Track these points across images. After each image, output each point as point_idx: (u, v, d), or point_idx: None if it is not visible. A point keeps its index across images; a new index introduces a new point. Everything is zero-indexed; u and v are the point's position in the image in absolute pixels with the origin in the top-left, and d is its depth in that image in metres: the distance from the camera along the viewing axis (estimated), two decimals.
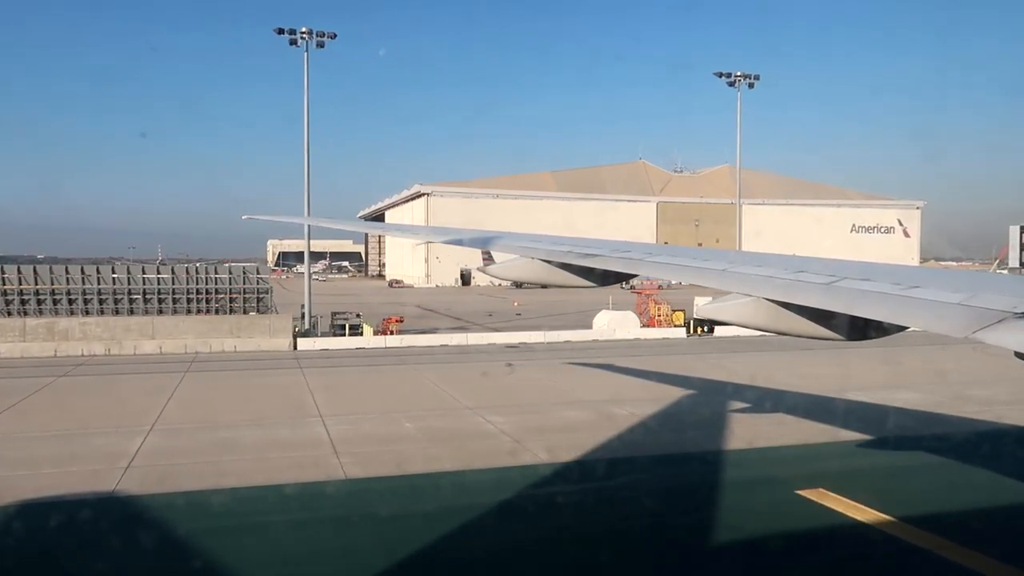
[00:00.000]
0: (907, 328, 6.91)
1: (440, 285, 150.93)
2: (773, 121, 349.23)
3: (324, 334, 53.78)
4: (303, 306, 56.39)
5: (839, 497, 19.19)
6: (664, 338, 56.73)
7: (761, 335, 54.37)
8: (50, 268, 49.11)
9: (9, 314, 47.41)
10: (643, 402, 31.42)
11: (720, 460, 23.37)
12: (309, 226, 55.12)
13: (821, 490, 19.82)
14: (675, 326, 59.02)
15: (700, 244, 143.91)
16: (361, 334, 53.04)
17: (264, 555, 16.00)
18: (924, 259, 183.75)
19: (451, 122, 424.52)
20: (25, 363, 42.74)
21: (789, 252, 12.81)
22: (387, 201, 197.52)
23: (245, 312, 50.44)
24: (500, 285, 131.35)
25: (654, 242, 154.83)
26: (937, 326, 6.21)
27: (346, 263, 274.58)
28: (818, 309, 7.43)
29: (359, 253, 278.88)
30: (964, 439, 26.24)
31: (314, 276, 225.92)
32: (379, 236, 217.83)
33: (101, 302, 48.61)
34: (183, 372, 39.46)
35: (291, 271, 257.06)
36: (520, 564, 15.73)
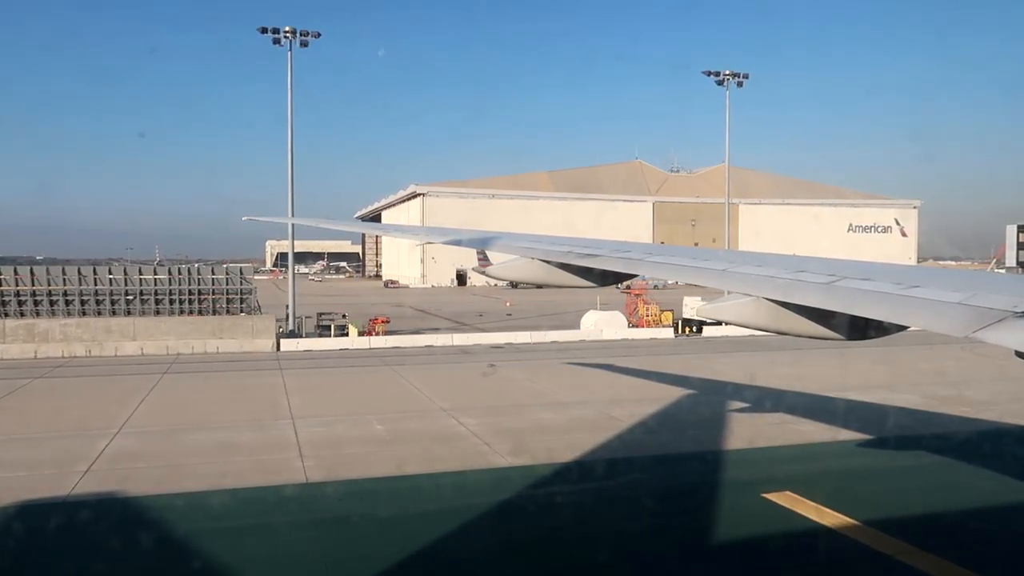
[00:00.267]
0: (907, 328, 6.93)
1: (436, 285, 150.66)
2: (771, 121, 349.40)
3: (309, 335, 53.44)
4: (287, 306, 55.99)
5: (805, 500, 18.85)
6: (652, 338, 56.38)
7: (750, 336, 54.33)
8: (31, 269, 48.69)
9: None
10: (620, 403, 31.06)
11: (688, 462, 23.06)
12: (298, 226, 54.93)
13: (788, 493, 19.48)
14: (663, 326, 58.67)
15: (696, 243, 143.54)
16: (346, 335, 52.74)
17: (216, 560, 15.68)
18: (923, 258, 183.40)
19: (449, 122, 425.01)
20: (2, 365, 42.38)
21: (786, 251, 12.61)
22: (383, 201, 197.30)
23: (229, 313, 50.08)
24: (496, 285, 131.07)
25: (651, 242, 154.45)
26: (937, 325, 6.19)
27: (344, 264, 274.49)
28: (818, 309, 7.45)
29: (357, 254, 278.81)
30: (943, 440, 25.92)
31: (311, 277, 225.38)
32: (376, 237, 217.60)
33: (83, 303, 48.25)
34: (161, 374, 39.13)
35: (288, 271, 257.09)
36: (476, 569, 15.42)
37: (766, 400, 32.18)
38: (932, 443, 25.59)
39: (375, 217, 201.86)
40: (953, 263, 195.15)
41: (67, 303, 47.92)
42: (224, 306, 50.38)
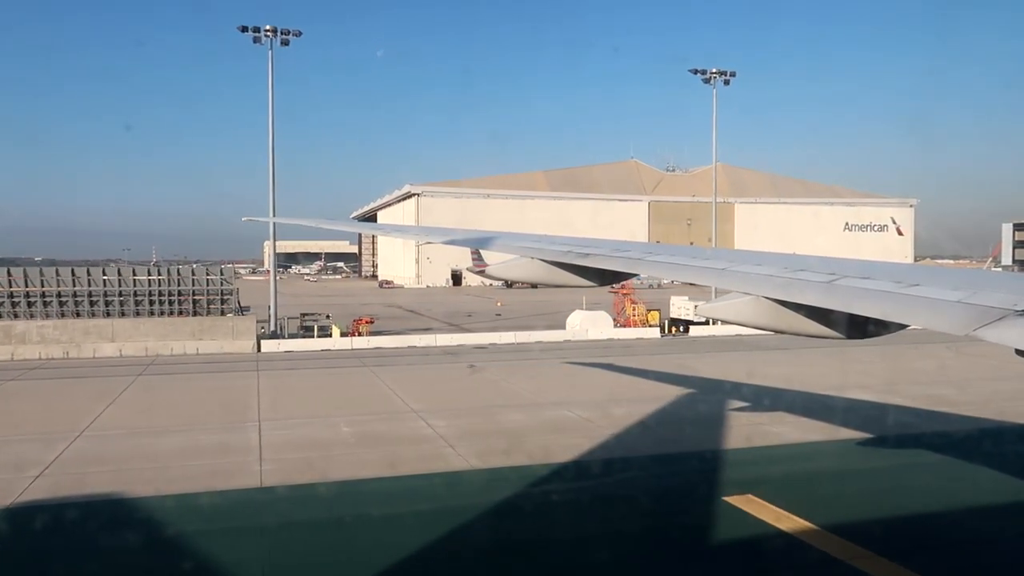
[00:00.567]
0: (908, 326, 6.95)
1: (431, 286, 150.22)
2: (768, 119, 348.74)
3: (292, 336, 53.02)
4: (269, 307, 55.54)
5: (766, 504, 18.44)
6: (638, 338, 55.93)
7: (736, 335, 53.98)
8: (8, 270, 48.21)
9: None
10: (595, 405, 30.65)
11: (654, 465, 22.61)
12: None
13: (750, 496, 19.08)
14: (650, 326, 58.23)
15: (692, 243, 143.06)
16: (330, 336, 52.34)
17: (158, 566, 15.34)
18: (921, 257, 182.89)
19: (444, 122, 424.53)
20: None
21: (783, 250, 12.45)
22: (379, 201, 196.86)
23: (209, 314, 49.65)
24: (491, 285, 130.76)
25: (647, 241, 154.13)
26: (937, 324, 6.20)
27: (341, 264, 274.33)
28: (819, 307, 7.47)
29: (355, 254, 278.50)
30: (917, 440, 25.54)
31: (306, 277, 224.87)
32: (372, 237, 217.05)
33: (62, 304, 47.84)
34: (136, 376, 38.72)
35: (285, 272, 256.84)
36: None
37: (744, 400, 31.73)
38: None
39: (371, 217, 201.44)
40: (951, 262, 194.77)
41: (45, 304, 47.51)
42: (205, 307, 49.96)
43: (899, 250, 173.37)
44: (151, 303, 49.26)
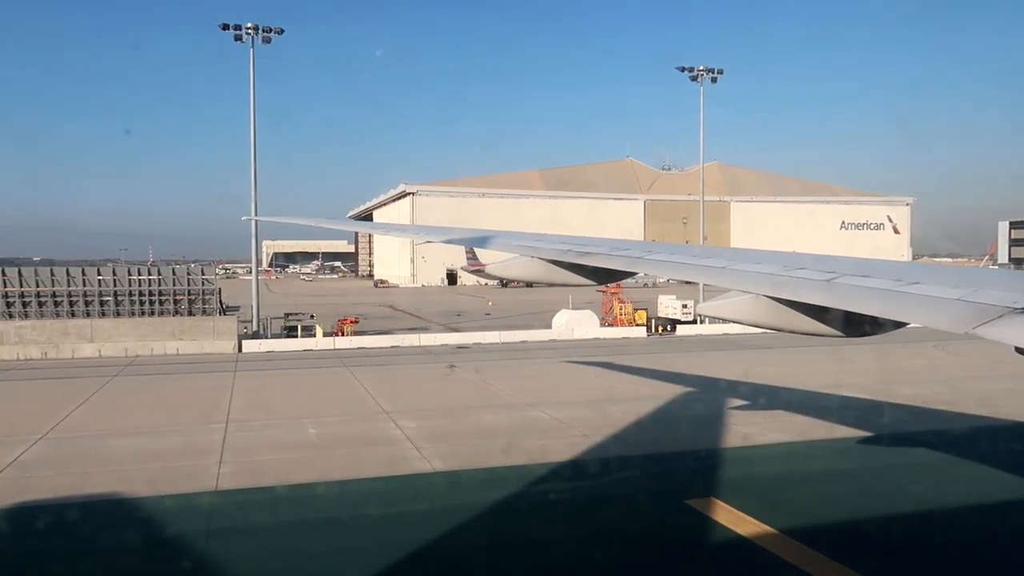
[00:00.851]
0: (907, 324, 6.94)
1: (426, 285, 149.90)
2: (764, 118, 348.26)
3: (275, 336, 52.63)
4: (252, 306, 55.12)
5: (727, 506, 18.06)
6: (624, 337, 55.52)
7: (722, 334, 53.67)
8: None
9: None
10: (568, 405, 30.26)
11: (625, 466, 22.19)
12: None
13: (712, 499, 18.70)
14: (637, 325, 57.82)
15: (687, 241, 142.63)
16: (314, 335, 51.97)
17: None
18: (918, 255, 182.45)
19: (439, 121, 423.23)
20: None
21: (779, 249, 12.21)
22: (375, 201, 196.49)
23: (191, 314, 49.22)
24: (486, 284, 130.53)
25: (642, 239, 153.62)
26: (937, 322, 6.18)
27: (339, 263, 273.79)
28: (818, 306, 7.47)
29: (352, 253, 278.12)
30: (884, 440, 25.14)
31: (302, 276, 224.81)
32: (369, 236, 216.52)
33: (41, 305, 47.41)
34: (111, 377, 38.35)
35: (283, 272, 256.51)
36: None
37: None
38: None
39: (367, 216, 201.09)
40: (949, 260, 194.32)
41: (24, 305, 47.06)
42: (187, 307, 49.55)
43: (895, 248, 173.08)
44: (132, 303, 48.79)
